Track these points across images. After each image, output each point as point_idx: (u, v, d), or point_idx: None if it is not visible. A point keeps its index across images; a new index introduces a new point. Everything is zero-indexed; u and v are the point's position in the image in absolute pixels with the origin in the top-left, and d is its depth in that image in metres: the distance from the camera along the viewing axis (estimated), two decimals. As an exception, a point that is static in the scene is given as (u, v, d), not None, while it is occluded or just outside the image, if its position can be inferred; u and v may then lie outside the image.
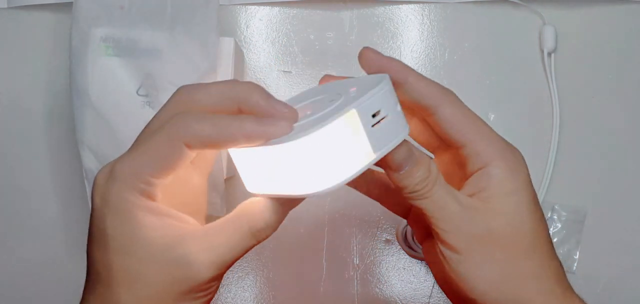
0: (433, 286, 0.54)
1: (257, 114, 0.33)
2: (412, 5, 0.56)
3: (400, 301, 0.54)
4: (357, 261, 0.54)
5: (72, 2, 0.48)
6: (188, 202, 0.37)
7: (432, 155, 0.40)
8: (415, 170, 0.34)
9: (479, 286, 0.34)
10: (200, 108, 0.33)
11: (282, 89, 0.55)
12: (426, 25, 0.56)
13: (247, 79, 0.55)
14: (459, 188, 0.36)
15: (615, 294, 0.53)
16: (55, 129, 0.54)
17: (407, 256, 0.54)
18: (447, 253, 0.35)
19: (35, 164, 0.54)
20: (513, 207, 0.35)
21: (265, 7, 0.56)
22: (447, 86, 0.55)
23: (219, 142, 0.32)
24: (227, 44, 0.49)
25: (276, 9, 0.56)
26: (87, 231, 0.55)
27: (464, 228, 0.34)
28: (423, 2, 0.56)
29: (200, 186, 0.37)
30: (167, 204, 0.34)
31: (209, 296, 0.34)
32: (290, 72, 0.55)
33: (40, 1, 0.55)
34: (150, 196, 0.33)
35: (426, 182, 0.34)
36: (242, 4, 0.55)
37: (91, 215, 0.33)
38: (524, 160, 0.36)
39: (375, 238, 0.54)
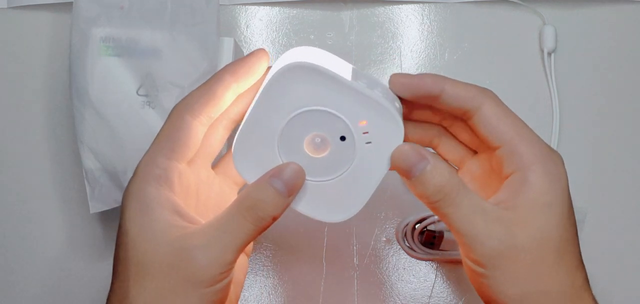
0: (433, 286, 0.54)
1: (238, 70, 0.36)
2: (412, 5, 0.56)
3: (400, 301, 0.54)
4: (357, 261, 0.54)
5: (72, 2, 0.48)
6: (210, 208, 0.38)
7: (456, 167, 0.40)
8: (428, 176, 0.34)
9: (503, 300, 0.34)
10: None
11: (282, 89, 0.55)
12: (426, 25, 0.56)
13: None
14: (495, 192, 0.35)
15: (616, 294, 0.53)
16: (55, 129, 0.54)
17: (407, 256, 0.54)
18: (470, 264, 0.34)
19: (35, 164, 0.54)
20: (544, 221, 0.33)
21: (265, 7, 0.56)
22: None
23: (214, 94, 0.35)
24: (227, 44, 0.49)
25: (276, 9, 0.56)
26: (87, 231, 0.55)
27: (488, 244, 0.33)
28: (423, 2, 0.56)
29: (223, 194, 0.38)
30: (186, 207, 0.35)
31: (220, 294, 0.34)
32: (290, 72, 0.55)
33: (40, 1, 0.55)
34: (167, 182, 0.34)
35: (445, 191, 0.33)
36: (242, 4, 0.55)
37: (120, 214, 0.35)
38: (564, 167, 0.35)
39: (375, 238, 0.54)
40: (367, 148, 0.34)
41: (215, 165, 0.40)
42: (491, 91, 0.36)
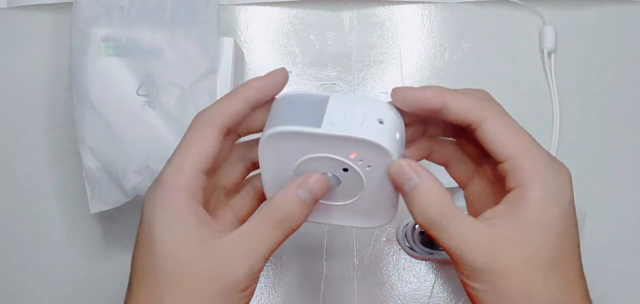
0: (433, 286, 0.54)
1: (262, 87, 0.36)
2: (412, 5, 0.56)
3: (400, 301, 0.54)
4: (357, 261, 0.54)
5: (72, 2, 0.48)
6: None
7: (454, 184, 0.40)
8: (417, 194, 0.34)
9: None
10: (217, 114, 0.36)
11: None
12: (426, 25, 0.56)
13: (247, 79, 0.55)
14: (497, 203, 0.35)
15: (616, 295, 0.53)
16: (55, 129, 0.54)
17: (407, 256, 0.54)
18: (464, 279, 0.35)
19: (35, 164, 0.54)
20: (537, 240, 0.33)
21: (265, 7, 0.56)
22: (447, 86, 0.55)
23: (238, 107, 0.35)
24: (227, 44, 0.49)
25: (276, 9, 0.56)
26: (87, 231, 0.55)
27: (474, 263, 0.33)
28: (423, 2, 0.56)
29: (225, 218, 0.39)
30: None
31: (247, 298, 0.35)
32: (290, 72, 0.55)
33: (40, 1, 0.55)
34: (194, 193, 0.34)
35: (430, 214, 0.34)
36: (242, 4, 0.55)
37: (139, 226, 0.35)
38: (569, 181, 0.35)
39: (375, 238, 0.54)
40: (370, 170, 0.35)
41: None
42: (497, 104, 0.36)
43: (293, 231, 0.35)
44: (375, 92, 0.55)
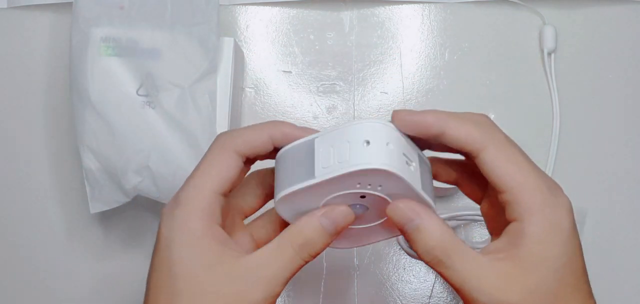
0: (433, 286, 0.54)
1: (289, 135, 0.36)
2: (412, 5, 0.56)
3: (400, 301, 0.54)
4: (357, 261, 0.54)
5: (72, 2, 0.48)
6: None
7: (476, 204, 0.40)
8: (419, 235, 0.34)
9: None
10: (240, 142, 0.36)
11: (282, 89, 0.55)
12: (426, 25, 0.56)
13: (247, 79, 0.55)
14: (502, 230, 0.35)
15: (616, 295, 0.53)
16: (55, 129, 0.54)
17: (407, 256, 0.54)
18: None
19: (35, 164, 0.54)
20: (540, 275, 0.33)
21: (265, 7, 0.56)
22: (447, 86, 0.55)
23: (261, 141, 0.35)
24: (227, 44, 0.49)
25: (276, 9, 0.56)
26: (87, 231, 0.55)
27: (481, 300, 0.33)
28: (423, 2, 0.56)
29: (242, 243, 0.39)
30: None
31: None
32: (290, 72, 0.55)
33: (40, 1, 0.55)
34: (214, 215, 0.34)
35: (434, 253, 0.34)
36: (242, 4, 0.55)
37: (156, 245, 0.35)
38: (569, 211, 0.35)
39: (375, 238, 0.54)
40: (383, 189, 0.34)
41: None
42: (498, 130, 0.36)
43: (312, 257, 0.35)
44: (375, 92, 0.55)
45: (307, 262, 0.35)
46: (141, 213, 0.53)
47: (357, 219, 0.36)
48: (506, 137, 0.35)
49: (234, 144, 0.35)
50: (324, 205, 0.35)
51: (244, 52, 0.55)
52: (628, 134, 0.55)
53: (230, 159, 0.35)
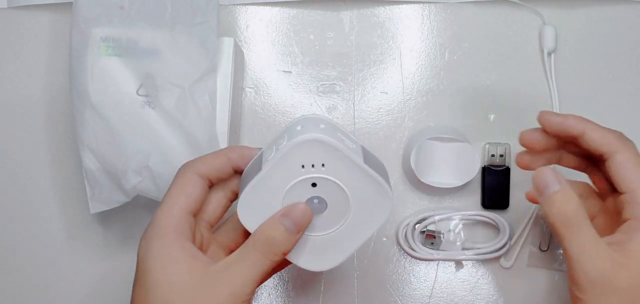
0: (433, 286, 0.54)
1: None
2: (412, 5, 0.56)
3: (400, 301, 0.54)
4: (357, 261, 0.54)
5: (72, 2, 0.48)
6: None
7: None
8: (556, 198, 0.38)
9: None
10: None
11: (282, 89, 0.55)
12: (426, 25, 0.56)
13: (247, 79, 0.55)
14: (613, 231, 0.40)
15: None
16: (55, 129, 0.54)
17: (407, 256, 0.54)
18: (572, 287, 0.39)
19: (35, 164, 0.54)
20: None
21: (265, 7, 0.56)
22: (447, 86, 0.56)
23: (219, 162, 0.40)
24: (227, 44, 0.49)
25: (276, 9, 0.56)
26: (87, 231, 0.55)
27: (591, 274, 0.38)
28: (423, 2, 0.56)
29: (215, 253, 0.42)
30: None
31: None
32: (290, 72, 0.55)
33: (40, 1, 0.55)
34: (182, 231, 0.38)
35: (567, 216, 0.38)
36: (242, 4, 0.55)
37: (137, 264, 0.38)
38: None
39: (376, 238, 0.54)
40: (330, 170, 0.37)
41: (213, 230, 0.43)
42: (630, 142, 0.41)
43: (278, 257, 0.38)
44: (374, 92, 0.55)
45: (275, 263, 0.38)
46: (141, 213, 0.53)
47: (322, 219, 0.38)
48: (637, 149, 0.41)
49: (195, 168, 0.40)
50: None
51: (244, 52, 0.55)
52: (628, 134, 0.55)
53: (193, 181, 0.39)
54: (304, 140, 0.36)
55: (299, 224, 0.38)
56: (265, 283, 0.54)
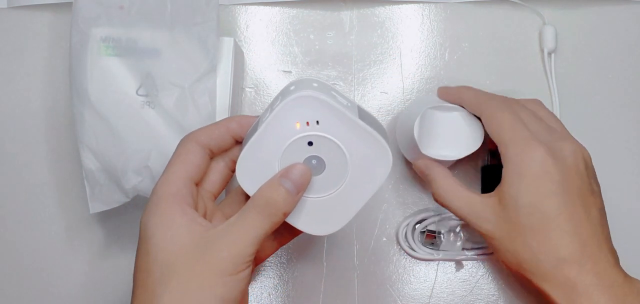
0: (433, 286, 0.54)
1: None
2: (412, 5, 0.56)
3: (400, 301, 0.54)
4: (357, 261, 0.54)
5: (72, 2, 0.48)
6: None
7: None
8: (433, 184, 0.47)
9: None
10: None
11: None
12: (426, 25, 0.56)
13: (247, 79, 0.55)
14: None
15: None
16: (55, 129, 0.54)
17: (407, 256, 0.54)
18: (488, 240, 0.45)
19: (35, 163, 0.54)
20: (513, 210, 0.43)
21: (265, 7, 0.56)
22: (448, 86, 0.55)
23: (219, 132, 0.40)
24: (227, 44, 0.49)
25: (276, 9, 0.56)
26: (87, 231, 0.55)
27: (484, 226, 0.44)
28: (423, 2, 0.56)
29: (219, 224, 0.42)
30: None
31: (241, 283, 0.37)
32: (290, 72, 0.55)
33: (40, 1, 0.55)
34: (183, 197, 0.38)
35: (441, 194, 0.46)
36: (242, 4, 0.55)
37: (139, 233, 0.39)
38: (541, 161, 0.42)
39: (375, 238, 0.54)
40: (324, 127, 0.37)
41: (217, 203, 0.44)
42: (500, 97, 0.47)
43: (279, 219, 0.38)
44: (375, 92, 0.55)
45: (275, 224, 0.38)
46: (141, 213, 0.53)
47: (322, 181, 0.38)
48: (505, 100, 0.47)
49: (195, 137, 0.40)
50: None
51: (244, 52, 0.55)
52: (628, 134, 0.55)
53: (193, 149, 0.40)
54: (296, 96, 0.36)
55: (298, 184, 0.38)
56: (265, 283, 0.54)
